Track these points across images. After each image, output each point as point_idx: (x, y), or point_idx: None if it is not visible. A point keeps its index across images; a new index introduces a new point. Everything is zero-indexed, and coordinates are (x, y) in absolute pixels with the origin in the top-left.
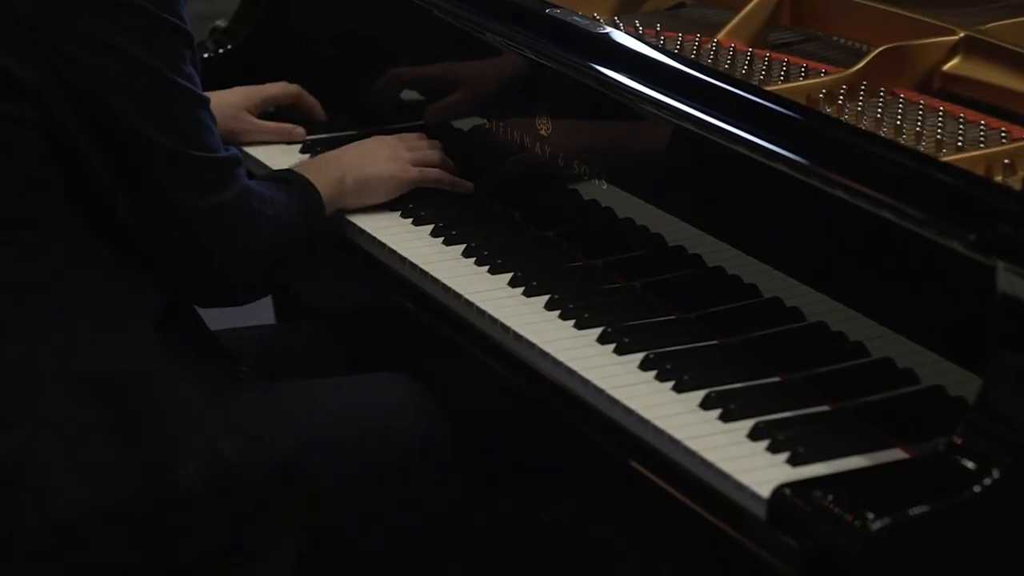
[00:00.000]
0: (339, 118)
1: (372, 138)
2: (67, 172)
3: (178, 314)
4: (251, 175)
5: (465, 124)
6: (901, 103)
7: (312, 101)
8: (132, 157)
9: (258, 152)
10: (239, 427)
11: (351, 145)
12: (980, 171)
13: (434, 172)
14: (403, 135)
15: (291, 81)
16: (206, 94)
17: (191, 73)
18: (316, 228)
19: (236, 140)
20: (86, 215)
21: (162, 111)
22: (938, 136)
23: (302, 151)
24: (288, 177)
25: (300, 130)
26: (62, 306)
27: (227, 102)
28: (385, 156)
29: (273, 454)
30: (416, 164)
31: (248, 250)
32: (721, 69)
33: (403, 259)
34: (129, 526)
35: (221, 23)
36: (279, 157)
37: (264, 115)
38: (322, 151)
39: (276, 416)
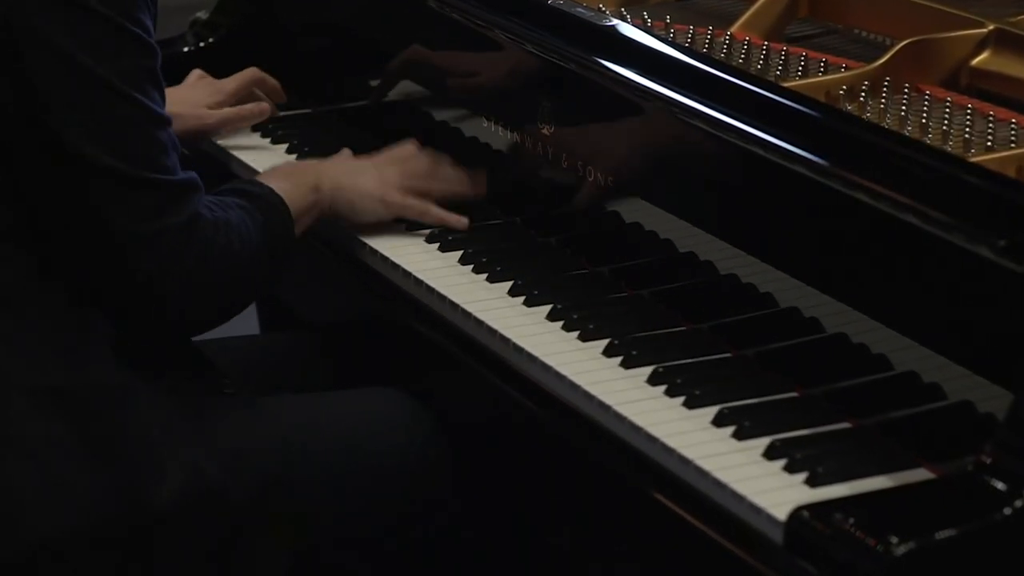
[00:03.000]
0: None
1: (365, 158)
2: (13, 184)
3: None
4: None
5: (462, 123)
6: (926, 100)
7: (271, 81)
8: (68, 171)
9: (244, 155)
10: (220, 444)
11: (337, 158)
12: (1011, 172)
13: (417, 206)
14: (402, 161)
15: (279, 77)
16: (167, 114)
17: (149, 89)
18: (278, 247)
19: (206, 138)
20: (43, 230)
21: (105, 124)
22: (966, 135)
23: (278, 140)
24: (252, 190)
25: (265, 105)
26: (28, 319)
27: (187, 100)
28: (371, 174)
29: (257, 473)
30: (409, 188)
31: (192, 282)
32: (735, 64)
33: (396, 266)
34: (104, 550)
35: (202, 15)
36: (267, 159)
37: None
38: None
39: (260, 433)
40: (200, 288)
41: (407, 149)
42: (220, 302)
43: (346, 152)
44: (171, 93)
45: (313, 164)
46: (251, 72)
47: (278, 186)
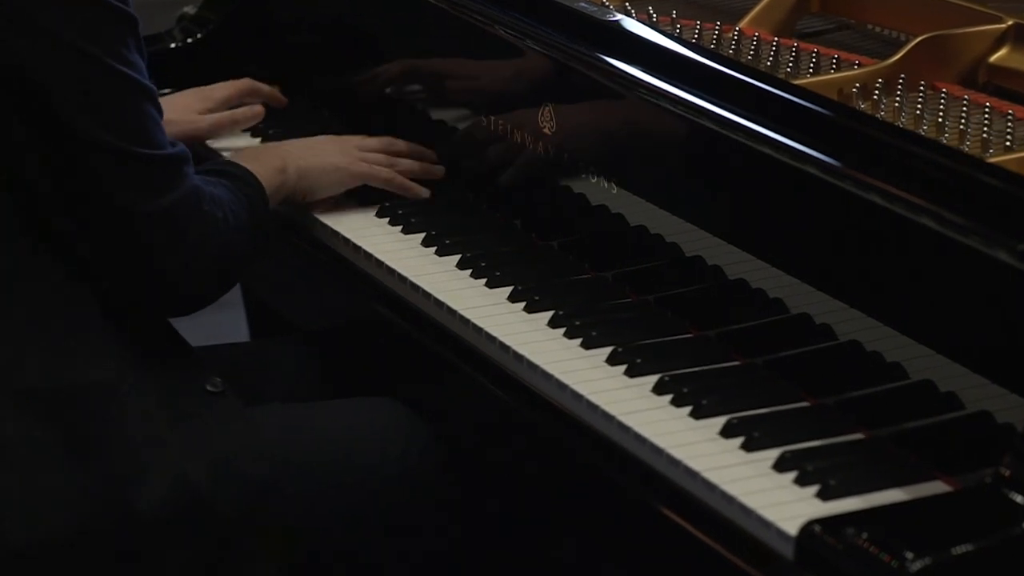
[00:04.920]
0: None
1: (322, 136)
2: (3, 176)
3: (138, 326)
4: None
5: (460, 121)
6: (943, 98)
7: (266, 90)
8: (70, 153)
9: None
10: (208, 453)
11: (297, 139)
12: None
13: (384, 171)
14: (360, 137)
15: (270, 75)
16: (151, 85)
17: (135, 61)
18: (261, 225)
19: (198, 142)
20: (27, 223)
21: (102, 102)
22: (984, 135)
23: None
24: (231, 171)
25: (259, 108)
26: (8, 319)
27: (177, 105)
28: (332, 149)
29: (245, 484)
30: (366, 158)
31: (197, 256)
32: (744, 60)
33: (391, 271)
34: (88, 557)
35: (189, 9)
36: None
37: None
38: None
39: (249, 442)
40: (203, 261)
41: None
42: (219, 274)
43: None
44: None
45: (276, 146)
46: (244, 83)
47: (250, 167)
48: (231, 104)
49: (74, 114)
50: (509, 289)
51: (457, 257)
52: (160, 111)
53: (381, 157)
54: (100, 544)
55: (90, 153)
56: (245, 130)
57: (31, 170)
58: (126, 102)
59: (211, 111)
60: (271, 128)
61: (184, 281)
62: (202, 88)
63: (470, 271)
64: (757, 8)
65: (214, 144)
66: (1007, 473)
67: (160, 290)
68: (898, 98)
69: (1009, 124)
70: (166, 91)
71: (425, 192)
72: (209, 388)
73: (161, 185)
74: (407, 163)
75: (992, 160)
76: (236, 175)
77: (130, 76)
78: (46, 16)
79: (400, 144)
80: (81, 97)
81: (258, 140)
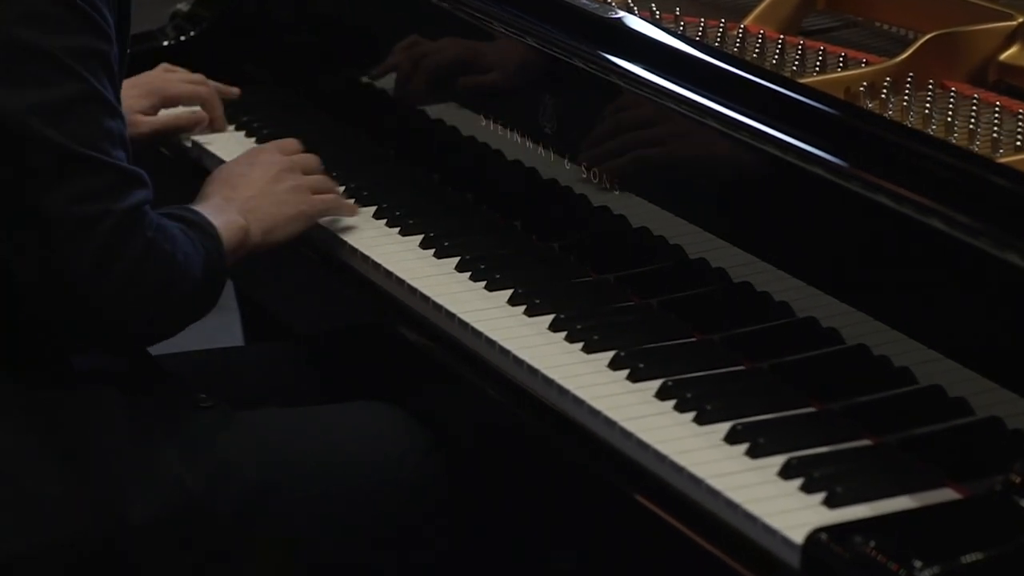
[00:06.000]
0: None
1: (261, 157)
2: None
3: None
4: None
5: (459, 119)
6: (952, 97)
7: (227, 90)
8: (3, 143)
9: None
10: (202, 459)
11: (243, 171)
12: None
13: (331, 199)
14: (291, 152)
15: (264, 72)
16: (117, 104)
17: (97, 70)
18: (215, 280)
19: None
20: None
21: (48, 98)
22: (994, 134)
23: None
24: (189, 217)
25: (202, 114)
26: None
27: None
28: (285, 188)
29: (240, 490)
30: (315, 189)
31: (129, 282)
32: (749, 59)
33: (388, 273)
34: (80, 567)
35: (183, 6)
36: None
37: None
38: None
39: (244, 448)
40: (136, 291)
41: (291, 143)
42: (156, 313)
43: (258, 151)
44: None
45: (239, 200)
46: (205, 90)
47: (212, 220)
48: (179, 103)
49: (20, 109)
50: (509, 292)
51: (456, 259)
52: (124, 137)
53: (322, 177)
54: (94, 554)
55: (28, 149)
56: (238, 129)
57: None
58: (78, 105)
59: (155, 108)
60: (266, 128)
61: (117, 310)
62: (152, 78)
63: (469, 273)
64: (762, 5)
65: (198, 137)
66: (1017, 480)
67: (89, 315)
68: (906, 97)
69: (1020, 124)
70: None
71: (353, 208)
72: (197, 402)
73: (102, 194)
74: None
75: (1002, 160)
76: (196, 223)
77: (88, 80)
78: (4, 7)
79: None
80: (32, 93)
81: (250, 138)
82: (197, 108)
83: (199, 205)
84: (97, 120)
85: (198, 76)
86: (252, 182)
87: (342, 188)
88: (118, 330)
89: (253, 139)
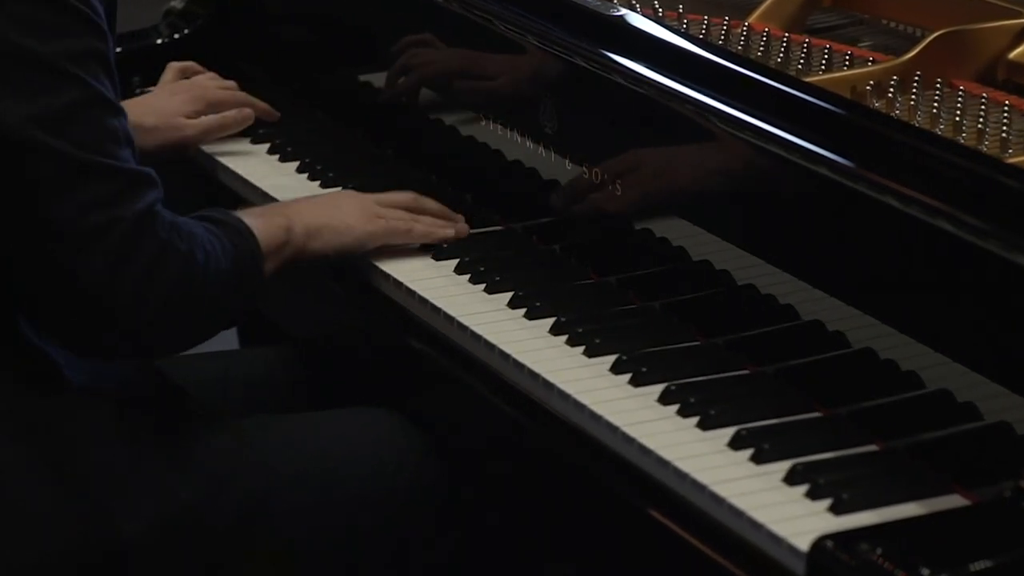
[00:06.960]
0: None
1: (341, 191)
2: None
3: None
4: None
5: (459, 119)
6: (960, 96)
7: (261, 106)
8: (8, 157)
9: (237, 165)
10: (196, 469)
11: (312, 196)
12: None
13: (402, 224)
14: (385, 193)
15: (259, 69)
16: (118, 102)
17: (98, 72)
18: (247, 279)
19: (185, 150)
20: None
21: (51, 106)
22: (1003, 134)
23: (271, 151)
24: (220, 217)
25: (248, 111)
26: None
27: (166, 109)
28: (348, 206)
29: (236, 499)
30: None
31: (144, 289)
32: (753, 57)
33: (387, 276)
34: None
35: (177, 3)
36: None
37: None
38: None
39: (239, 456)
40: (154, 298)
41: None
42: (177, 320)
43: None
44: (146, 102)
45: (283, 204)
46: (241, 95)
47: (248, 221)
48: (220, 110)
49: (23, 118)
50: (509, 295)
51: (455, 261)
52: (128, 133)
53: (402, 213)
54: (88, 568)
55: (34, 160)
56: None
57: None
58: (82, 110)
59: (199, 113)
60: (260, 127)
61: (133, 320)
62: (194, 85)
63: (468, 276)
64: (766, 3)
65: (207, 148)
66: None
67: (105, 326)
68: (914, 96)
69: None
70: (151, 89)
71: (451, 231)
72: (191, 413)
73: (111, 201)
74: (429, 220)
75: (1011, 161)
76: (224, 221)
77: (90, 84)
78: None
79: (428, 203)
80: (33, 102)
81: (243, 137)
82: (245, 109)
83: (241, 210)
84: (100, 122)
85: (230, 83)
86: (317, 199)
87: (340, 189)
88: (137, 338)
89: (247, 138)
